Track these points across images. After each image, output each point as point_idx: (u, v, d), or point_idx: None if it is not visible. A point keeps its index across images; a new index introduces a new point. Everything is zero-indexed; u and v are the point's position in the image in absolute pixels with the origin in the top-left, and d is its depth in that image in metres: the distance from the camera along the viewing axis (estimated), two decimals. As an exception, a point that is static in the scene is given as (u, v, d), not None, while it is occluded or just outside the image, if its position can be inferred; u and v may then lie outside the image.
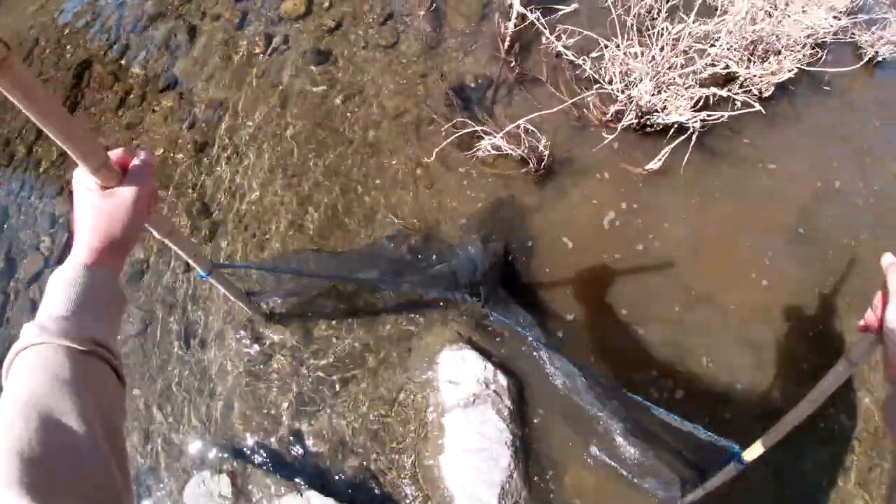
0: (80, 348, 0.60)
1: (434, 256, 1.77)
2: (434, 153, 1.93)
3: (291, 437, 1.58)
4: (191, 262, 1.21)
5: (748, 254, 1.83)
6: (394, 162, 2.01)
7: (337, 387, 1.63)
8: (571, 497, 1.45)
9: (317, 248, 1.85)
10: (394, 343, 1.68)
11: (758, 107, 1.81)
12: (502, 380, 1.53)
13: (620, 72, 1.96)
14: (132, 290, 1.84)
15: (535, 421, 1.56)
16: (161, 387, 1.69)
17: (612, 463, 1.47)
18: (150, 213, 0.82)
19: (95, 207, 0.72)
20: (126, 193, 0.73)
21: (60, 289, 0.65)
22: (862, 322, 0.76)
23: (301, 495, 1.45)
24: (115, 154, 0.75)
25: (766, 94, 2.08)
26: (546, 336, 1.62)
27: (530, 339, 1.58)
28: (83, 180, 0.73)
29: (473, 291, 1.63)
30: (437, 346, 1.61)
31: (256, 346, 1.71)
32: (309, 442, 1.57)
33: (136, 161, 0.76)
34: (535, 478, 1.47)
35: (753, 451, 1.05)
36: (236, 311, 1.75)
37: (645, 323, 1.70)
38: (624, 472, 1.45)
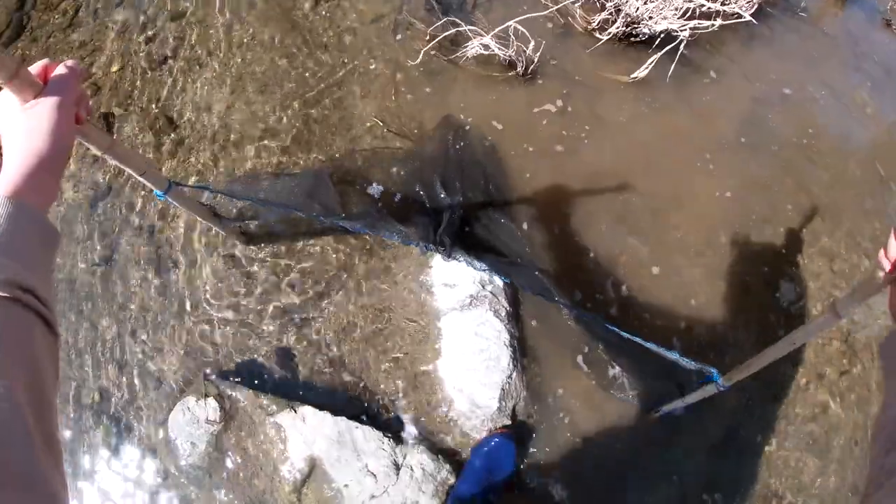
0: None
1: (405, 195, 1.66)
2: (420, 55, 1.81)
3: (279, 354, 1.50)
4: (142, 179, 1.07)
5: (701, 162, 1.83)
6: (371, 67, 1.87)
7: (323, 299, 1.55)
8: (567, 401, 1.46)
9: (288, 169, 1.72)
10: (382, 251, 1.60)
11: (748, 16, 1.79)
12: (498, 280, 1.49)
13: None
14: (92, 213, 1.67)
15: (531, 324, 1.54)
16: (132, 314, 1.56)
17: (599, 373, 1.48)
18: (82, 123, 0.75)
19: (14, 124, 0.66)
20: (46, 103, 0.67)
21: None
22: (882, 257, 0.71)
23: (295, 412, 1.40)
24: (37, 66, 0.70)
25: (749, 14, 2.08)
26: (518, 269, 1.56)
27: (503, 280, 1.52)
28: (2, 102, 0.68)
29: (438, 241, 1.54)
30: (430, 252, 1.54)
31: (233, 264, 1.59)
32: (298, 357, 1.50)
33: (58, 69, 0.70)
34: (537, 379, 1.47)
35: (731, 378, 1.09)
36: (209, 231, 1.62)
37: (598, 233, 1.69)
38: (609, 382, 1.47)
